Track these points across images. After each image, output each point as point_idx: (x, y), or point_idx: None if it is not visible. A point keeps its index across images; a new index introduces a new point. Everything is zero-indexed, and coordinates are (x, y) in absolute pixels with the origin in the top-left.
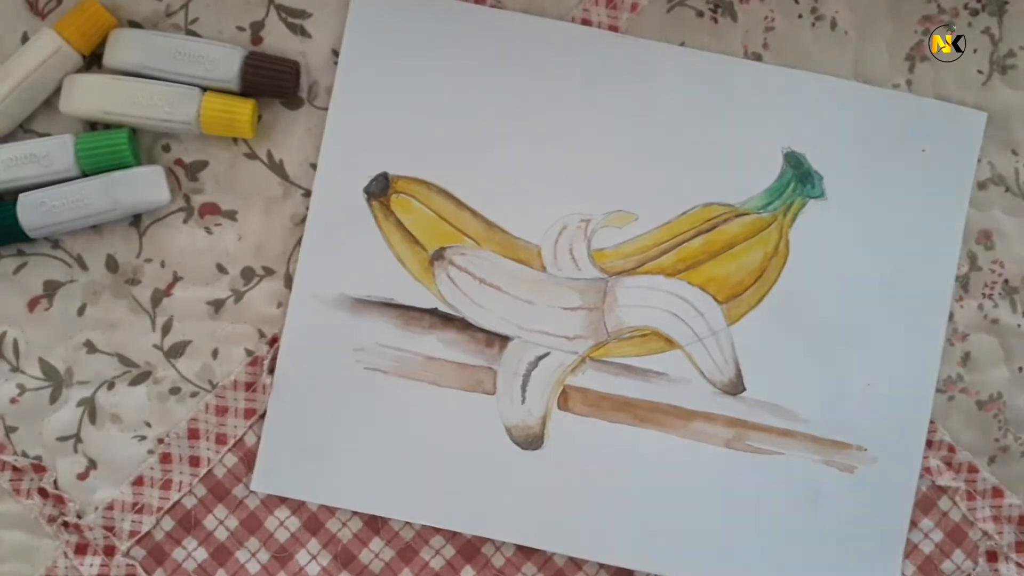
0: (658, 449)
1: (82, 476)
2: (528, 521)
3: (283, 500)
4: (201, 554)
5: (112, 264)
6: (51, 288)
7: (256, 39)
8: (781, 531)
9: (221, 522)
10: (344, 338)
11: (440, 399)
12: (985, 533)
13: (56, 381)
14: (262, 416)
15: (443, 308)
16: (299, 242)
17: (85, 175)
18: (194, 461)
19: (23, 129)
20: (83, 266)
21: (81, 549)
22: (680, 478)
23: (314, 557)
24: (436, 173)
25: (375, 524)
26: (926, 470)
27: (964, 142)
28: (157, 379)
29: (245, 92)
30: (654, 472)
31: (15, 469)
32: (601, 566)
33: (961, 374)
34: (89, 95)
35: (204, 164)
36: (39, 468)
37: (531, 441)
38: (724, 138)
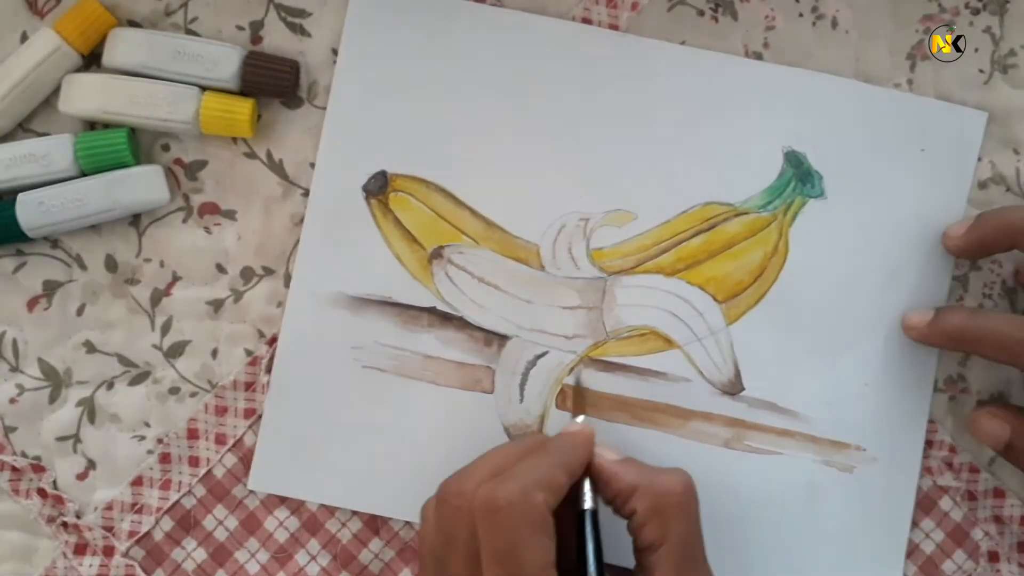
0: (656, 449)
1: (81, 476)
2: None
3: (283, 500)
4: (200, 554)
5: (111, 264)
6: (50, 288)
7: (255, 38)
8: (780, 531)
9: (220, 522)
10: (342, 336)
11: (438, 398)
12: (986, 533)
13: (55, 381)
14: (262, 416)
15: (441, 307)
16: (299, 241)
17: (84, 175)
18: (193, 461)
19: (22, 128)
20: (82, 266)
21: (80, 549)
22: None
23: (314, 557)
24: (435, 171)
25: (375, 524)
26: (927, 470)
27: (964, 142)
28: (156, 379)
29: (244, 91)
30: None
31: (14, 469)
32: None
33: (962, 374)
34: (88, 95)
35: (203, 164)
36: (38, 468)
37: None
38: (724, 137)
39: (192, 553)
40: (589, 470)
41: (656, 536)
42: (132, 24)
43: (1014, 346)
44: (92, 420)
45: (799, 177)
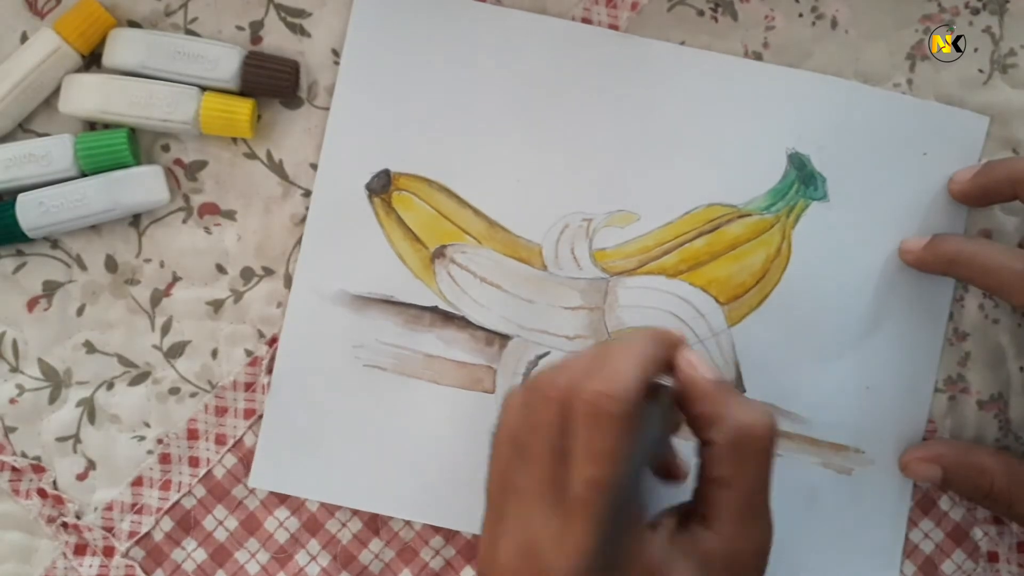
0: None
1: (81, 476)
2: None
3: (283, 500)
4: (200, 555)
5: (111, 264)
6: (50, 288)
7: (256, 39)
8: (778, 533)
9: (220, 523)
10: (343, 335)
11: (439, 397)
12: (986, 534)
13: (55, 381)
14: (261, 417)
15: (443, 306)
16: (299, 242)
17: (84, 175)
18: (193, 462)
19: (22, 129)
20: (82, 266)
21: (80, 550)
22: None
23: (314, 558)
24: (438, 171)
25: (375, 524)
26: None
27: (966, 146)
28: (156, 379)
29: (245, 92)
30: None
31: (14, 469)
32: None
33: (962, 374)
34: (88, 95)
35: (203, 164)
36: (38, 468)
37: None
38: (727, 138)
39: (192, 553)
40: (680, 379)
41: (727, 474)
42: (132, 24)
43: (1002, 272)
44: (92, 420)
45: (802, 179)
